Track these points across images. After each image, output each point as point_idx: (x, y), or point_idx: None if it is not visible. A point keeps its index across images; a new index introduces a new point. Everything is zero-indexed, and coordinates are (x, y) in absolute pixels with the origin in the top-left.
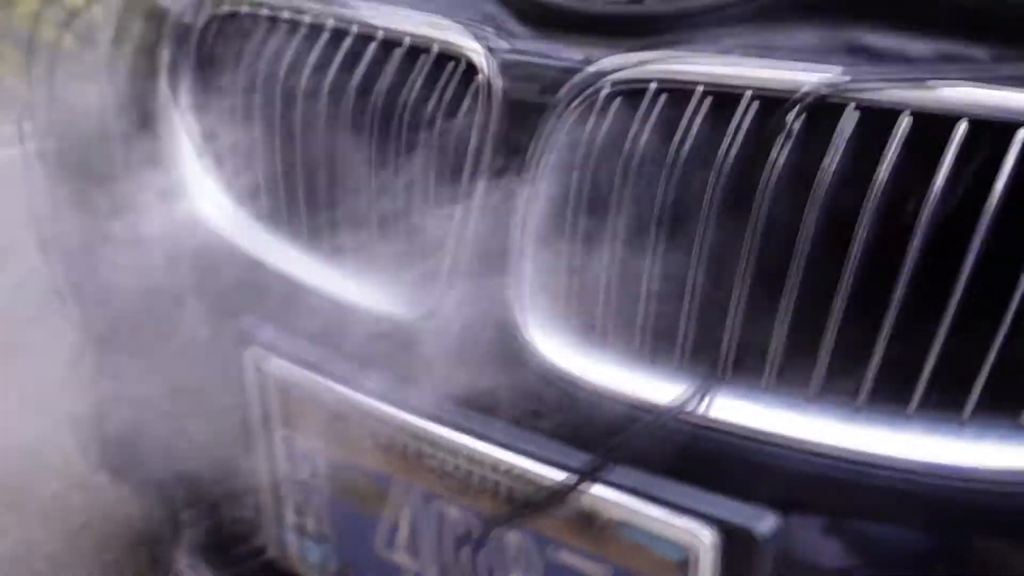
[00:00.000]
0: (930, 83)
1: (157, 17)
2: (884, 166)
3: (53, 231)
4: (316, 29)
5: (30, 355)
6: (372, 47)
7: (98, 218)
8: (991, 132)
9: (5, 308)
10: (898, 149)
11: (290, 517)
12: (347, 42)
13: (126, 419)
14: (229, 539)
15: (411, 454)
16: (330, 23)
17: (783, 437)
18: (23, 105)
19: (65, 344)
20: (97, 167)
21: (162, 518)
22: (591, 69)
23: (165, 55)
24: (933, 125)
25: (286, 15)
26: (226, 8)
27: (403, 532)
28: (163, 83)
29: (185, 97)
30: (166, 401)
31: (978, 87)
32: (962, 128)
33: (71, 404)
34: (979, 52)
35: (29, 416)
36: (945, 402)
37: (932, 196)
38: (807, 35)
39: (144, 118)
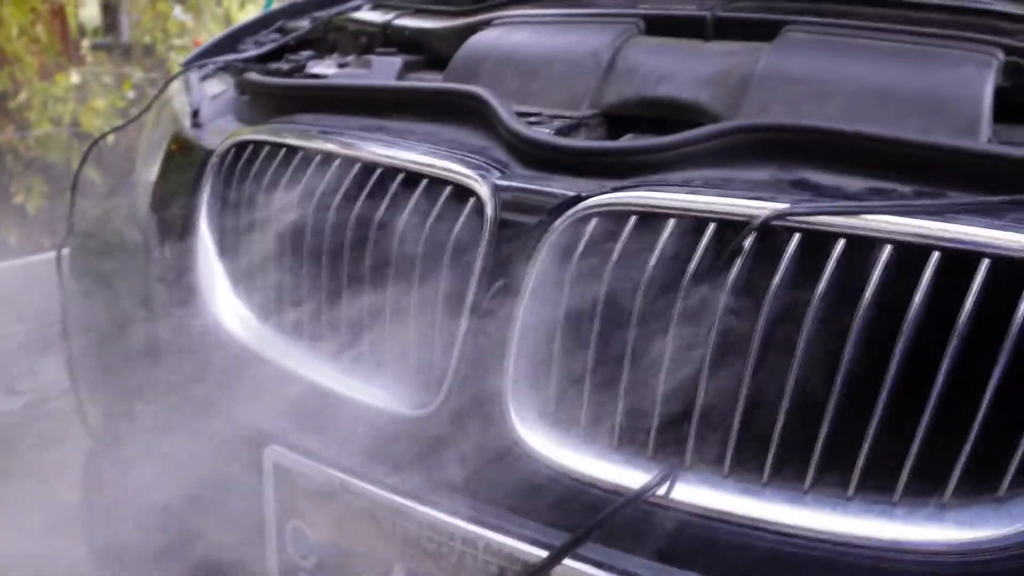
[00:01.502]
0: (859, 214)
1: (184, 144)
2: (822, 282)
3: (82, 346)
4: (349, 162)
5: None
6: (397, 180)
7: (126, 330)
8: (913, 254)
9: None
10: (833, 268)
11: None
12: (375, 175)
13: (144, 524)
14: None
15: (412, 539)
16: (363, 158)
17: (739, 517)
18: (63, 234)
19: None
20: (126, 282)
21: None
22: (580, 200)
23: (192, 180)
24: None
25: (314, 148)
26: (250, 137)
27: None
28: (190, 205)
29: (210, 218)
30: (186, 503)
31: (899, 217)
32: (886, 251)
33: (87, 512)
34: (903, 187)
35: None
36: (879, 488)
37: (861, 308)
38: (761, 172)
39: (172, 236)
